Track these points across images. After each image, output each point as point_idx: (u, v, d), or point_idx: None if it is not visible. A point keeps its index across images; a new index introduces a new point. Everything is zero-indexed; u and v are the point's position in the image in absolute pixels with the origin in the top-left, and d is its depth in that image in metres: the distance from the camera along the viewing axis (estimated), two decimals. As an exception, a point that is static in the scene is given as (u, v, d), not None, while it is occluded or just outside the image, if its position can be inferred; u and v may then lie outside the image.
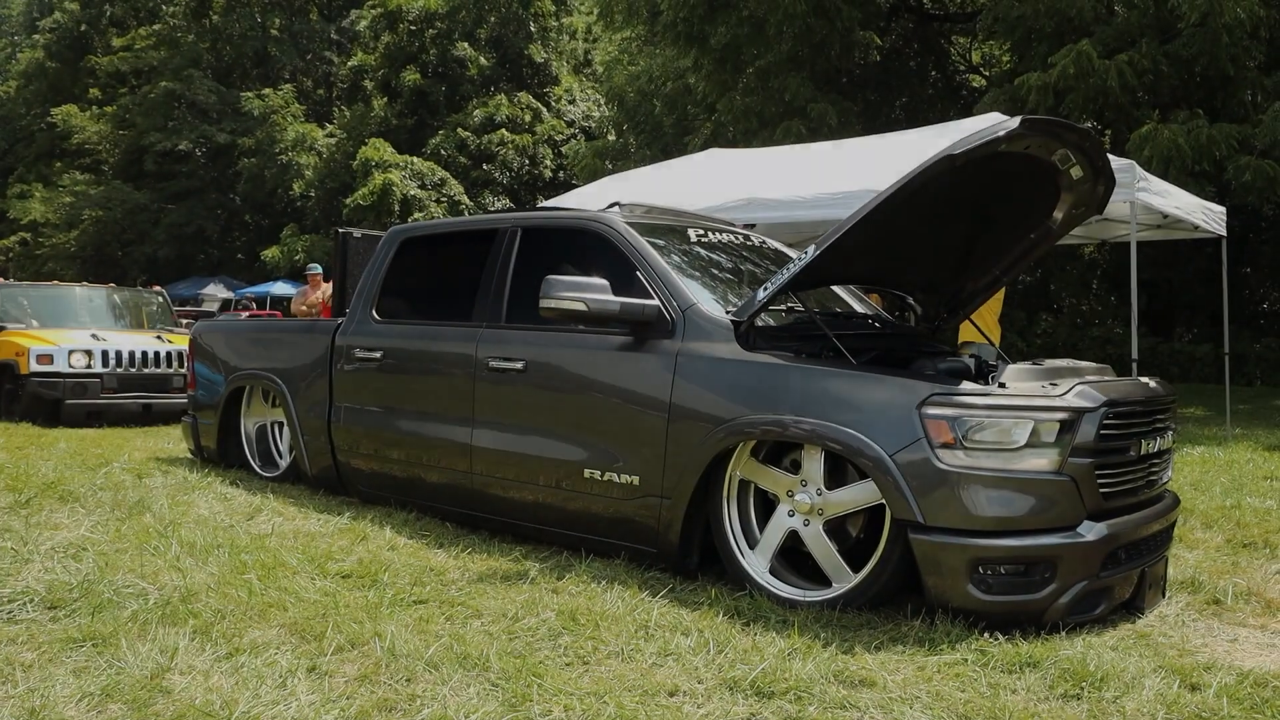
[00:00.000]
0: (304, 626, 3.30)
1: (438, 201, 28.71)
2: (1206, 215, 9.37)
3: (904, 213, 3.86)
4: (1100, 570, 3.45)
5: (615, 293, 4.12)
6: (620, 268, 4.39)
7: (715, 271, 4.76)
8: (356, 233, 6.50)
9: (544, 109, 32.93)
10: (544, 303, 4.09)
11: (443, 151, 30.47)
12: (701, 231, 4.96)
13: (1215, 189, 12.70)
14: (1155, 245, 12.71)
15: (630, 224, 4.61)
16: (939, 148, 3.80)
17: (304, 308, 11.94)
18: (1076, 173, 4.02)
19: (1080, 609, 3.44)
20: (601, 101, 31.61)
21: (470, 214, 28.25)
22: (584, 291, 4.06)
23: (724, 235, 5.09)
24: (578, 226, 4.87)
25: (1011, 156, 3.79)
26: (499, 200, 30.61)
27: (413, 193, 28.11)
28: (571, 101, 34.41)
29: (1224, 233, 9.72)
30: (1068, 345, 19.89)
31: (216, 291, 32.43)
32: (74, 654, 3.04)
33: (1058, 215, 4.29)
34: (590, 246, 4.71)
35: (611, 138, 26.33)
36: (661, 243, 4.58)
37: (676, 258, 4.54)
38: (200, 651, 3.06)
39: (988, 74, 21.58)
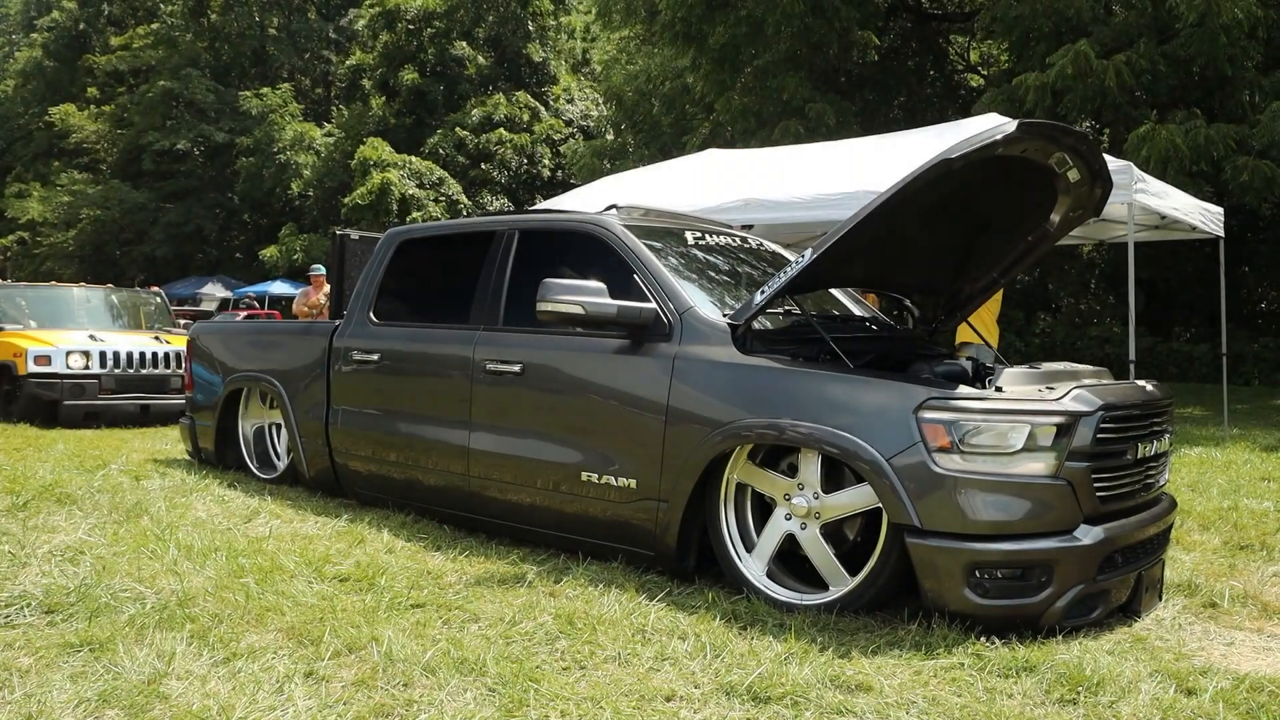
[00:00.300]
0: (301, 631, 3.30)
1: (436, 200, 28.70)
2: (1204, 216, 9.38)
3: (901, 216, 3.87)
4: (1097, 574, 3.46)
5: (612, 296, 4.12)
6: (618, 271, 4.39)
7: (713, 274, 4.76)
8: (354, 234, 6.49)
9: (542, 108, 32.94)
10: (541, 306, 4.09)
11: (441, 151, 30.48)
12: (699, 234, 4.96)
13: (1213, 189, 12.72)
14: (1153, 245, 12.71)
15: (627, 227, 4.61)
16: (937, 149, 3.81)
17: (305, 308, 11.95)
18: (1074, 176, 4.03)
19: (1077, 613, 3.45)
20: (600, 101, 31.62)
21: (468, 213, 28.26)
22: (581, 295, 4.06)
23: (721, 238, 5.09)
24: (575, 229, 4.87)
25: (1008, 160, 3.80)
26: (497, 199, 30.61)
27: (411, 192, 28.11)
28: (570, 101, 34.42)
29: (1221, 233, 9.73)
30: (1066, 345, 19.92)
31: (215, 291, 32.44)
32: (71, 659, 3.04)
33: (1055, 218, 4.30)
34: (587, 249, 4.71)
35: (610, 137, 26.35)
36: (659, 245, 4.58)
37: (674, 260, 4.55)
38: (197, 656, 3.06)
39: (986, 73, 21.60)
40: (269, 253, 31.21)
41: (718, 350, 3.98)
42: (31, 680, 2.87)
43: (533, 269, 4.76)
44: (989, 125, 7.74)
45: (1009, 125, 3.60)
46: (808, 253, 3.87)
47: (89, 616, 3.38)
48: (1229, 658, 3.35)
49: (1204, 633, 3.62)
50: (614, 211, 4.96)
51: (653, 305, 4.19)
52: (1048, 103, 13.35)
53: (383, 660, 3.05)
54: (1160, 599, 3.92)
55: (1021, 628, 3.38)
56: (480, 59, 32.43)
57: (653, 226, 4.82)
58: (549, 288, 4.08)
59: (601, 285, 4.10)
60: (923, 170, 3.56)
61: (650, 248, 4.48)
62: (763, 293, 3.95)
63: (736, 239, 5.20)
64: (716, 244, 4.99)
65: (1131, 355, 8.08)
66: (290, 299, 28.96)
